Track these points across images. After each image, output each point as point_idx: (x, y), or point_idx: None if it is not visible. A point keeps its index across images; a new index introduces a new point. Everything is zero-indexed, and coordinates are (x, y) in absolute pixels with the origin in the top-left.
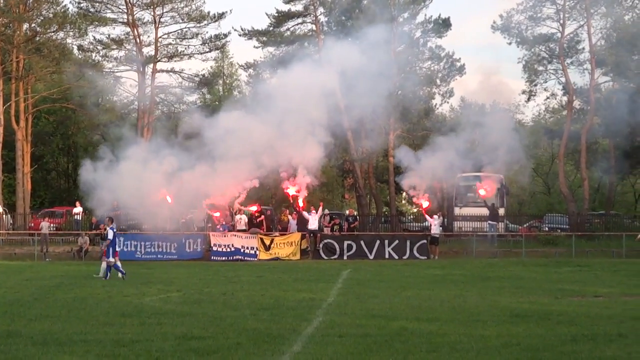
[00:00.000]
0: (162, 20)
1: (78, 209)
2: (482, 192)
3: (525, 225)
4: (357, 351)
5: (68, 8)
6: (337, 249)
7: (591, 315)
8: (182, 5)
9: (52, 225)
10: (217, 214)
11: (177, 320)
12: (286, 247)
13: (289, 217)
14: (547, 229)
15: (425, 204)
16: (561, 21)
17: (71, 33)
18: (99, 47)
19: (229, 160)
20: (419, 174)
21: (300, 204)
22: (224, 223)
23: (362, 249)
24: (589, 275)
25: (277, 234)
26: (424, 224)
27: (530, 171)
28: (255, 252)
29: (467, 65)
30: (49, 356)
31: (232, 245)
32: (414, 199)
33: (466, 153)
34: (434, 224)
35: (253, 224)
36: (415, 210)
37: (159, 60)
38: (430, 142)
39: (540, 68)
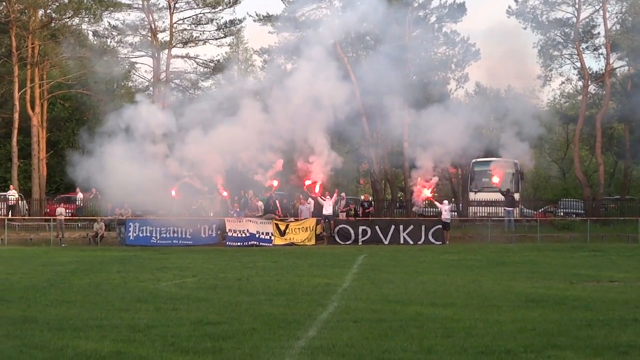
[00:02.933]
0: (177, 5)
1: (80, 195)
2: (495, 179)
3: (540, 210)
4: (373, 336)
5: None
6: (352, 234)
7: (606, 300)
8: None
9: (67, 210)
10: (226, 194)
11: (192, 306)
12: (301, 232)
13: (302, 201)
14: (562, 214)
15: (427, 192)
16: (576, 6)
17: (86, 19)
18: (114, 33)
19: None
20: (426, 136)
21: (317, 189)
22: (238, 209)
23: (377, 234)
24: (604, 260)
25: (292, 219)
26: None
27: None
28: (270, 237)
29: (481, 50)
30: (64, 341)
31: (247, 231)
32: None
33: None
34: (444, 210)
35: (269, 209)
36: (430, 195)
37: (173, 46)
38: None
39: (556, 53)
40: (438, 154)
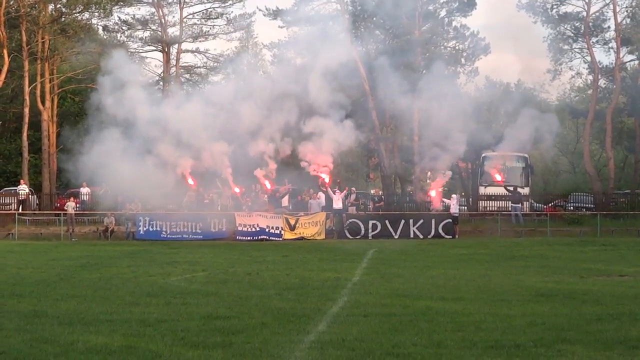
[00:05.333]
0: (186, 0)
1: (85, 190)
2: (497, 177)
3: (550, 205)
4: (382, 330)
5: None
6: (362, 229)
7: (616, 294)
8: None
9: (77, 205)
10: (238, 190)
11: (202, 300)
12: (311, 226)
13: (310, 197)
14: (572, 208)
15: (436, 191)
16: None
17: (96, 14)
18: (124, 28)
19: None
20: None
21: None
22: (249, 204)
23: (387, 229)
24: (614, 254)
25: (302, 213)
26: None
27: (554, 150)
28: (280, 231)
29: (491, 45)
30: (75, 336)
31: (257, 225)
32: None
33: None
34: (453, 204)
35: (275, 201)
36: (440, 189)
37: (183, 41)
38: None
39: (566, 47)
40: (448, 147)
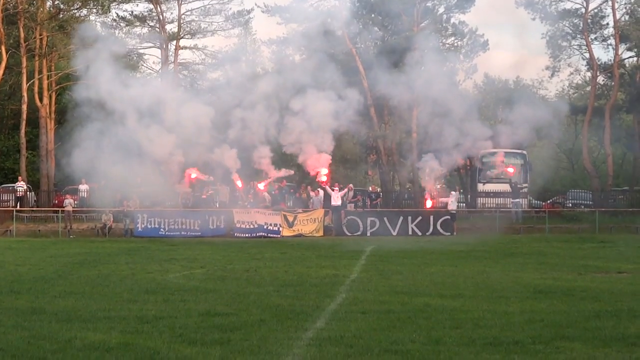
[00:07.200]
0: None
1: (84, 186)
2: (510, 170)
3: (548, 202)
4: (380, 327)
5: None
6: (361, 226)
7: (615, 291)
8: None
9: (75, 202)
10: (240, 183)
11: (200, 297)
12: (309, 223)
13: (311, 193)
14: (570, 205)
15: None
16: None
17: (94, 10)
18: (122, 24)
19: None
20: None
21: (324, 179)
22: (251, 200)
23: (386, 226)
24: (613, 251)
25: (300, 210)
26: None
27: (553, 147)
28: (278, 228)
29: (490, 42)
30: (72, 333)
31: (256, 222)
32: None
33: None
34: (451, 200)
35: (276, 200)
36: (438, 186)
37: (182, 37)
38: None
39: (564, 44)
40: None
